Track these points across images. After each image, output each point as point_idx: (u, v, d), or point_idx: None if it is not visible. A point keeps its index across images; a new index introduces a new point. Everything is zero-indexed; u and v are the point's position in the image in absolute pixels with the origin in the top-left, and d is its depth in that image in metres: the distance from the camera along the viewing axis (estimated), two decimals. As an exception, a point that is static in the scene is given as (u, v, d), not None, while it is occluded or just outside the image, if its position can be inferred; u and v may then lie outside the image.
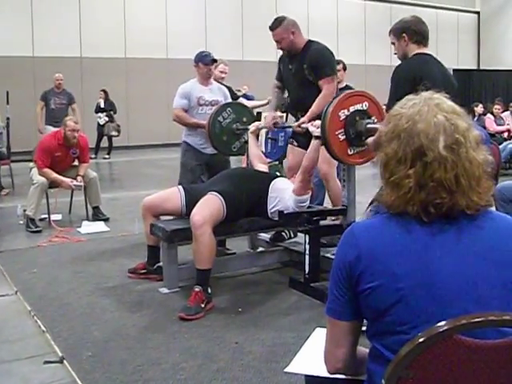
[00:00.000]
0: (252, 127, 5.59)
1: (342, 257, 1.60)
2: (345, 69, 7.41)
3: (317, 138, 4.58)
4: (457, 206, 1.52)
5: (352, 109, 4.42)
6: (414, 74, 3.65)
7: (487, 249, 1.51)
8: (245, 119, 5.97)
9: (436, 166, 1.50)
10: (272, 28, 5.37)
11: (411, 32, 3.89)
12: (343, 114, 4.40)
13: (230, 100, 6.40)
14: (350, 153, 4.49)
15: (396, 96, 3.72)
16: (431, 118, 1.54)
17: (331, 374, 1.70)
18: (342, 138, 4.42)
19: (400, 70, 3.80)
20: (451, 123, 1.53)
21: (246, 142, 5.74)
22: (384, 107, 4.47)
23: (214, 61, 6.19)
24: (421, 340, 1.32)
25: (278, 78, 5.66)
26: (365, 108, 4.44)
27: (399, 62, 4.14)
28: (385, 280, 1.50)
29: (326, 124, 4.37)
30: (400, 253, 1.51)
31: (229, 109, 5.93)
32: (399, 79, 3.80)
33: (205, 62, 6.06)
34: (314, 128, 4.66)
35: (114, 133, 14.99)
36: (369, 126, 4.32)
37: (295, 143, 5.55)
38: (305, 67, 5.21)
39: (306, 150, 4.81)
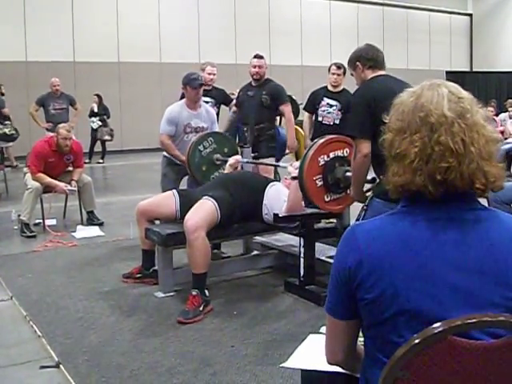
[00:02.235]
0: (232, 160, 5.51)
1: (343, 261, 1.55)
2: (345, 73, 7.37)
3: (294, 178, 4.56)
4: (465, 173, 1.46)
5: (332, 155, 4.41)
6: (367, 99, 3.67)
7: (492, 262, 1.46)
8: (226, 150, 5.85)
9: (442, 130, 1.46)
10: (261, 56, 6.71)
11: (363, 59, 3.94)
12: (323, 159, 4.38)
13: (217, 125, 6.31)
14: (326, 199, 4.46)
15: (354, 123, 3.76)
16: (434, 89, 1.52)
17: (331, 364, 1.69)
18: (319, 183, 4.40)
19: (354, 97, 3.87)
20: (454, 94, 1.50)
21: None
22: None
23: (202, 84, 6.05)
24: (416, 341, 1.32)
25: (236, 104, 6.99)
26: (345, 155, 4.41)
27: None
28: (385, 292, 1.46)
29: (305, 168, 4.35)
30: (403, 264, 1.46)
31: (210, 138, 5.80)
32: (355, 106, 3.84)
33: (193, 85, 5.90)
34: (293, 169, 4.67)
35: (107, 137, 14.97)
36: (347, 174, 4.27)
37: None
38: (263, 93, 6.54)
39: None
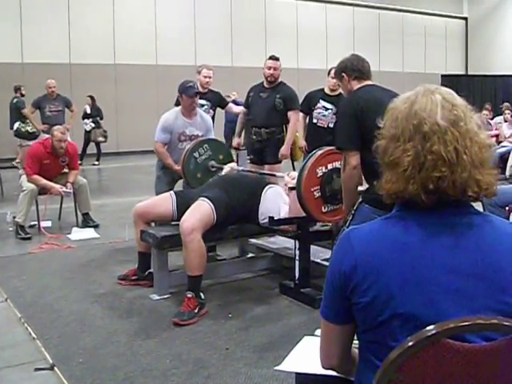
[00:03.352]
0: (227, 168, 5.54)
1: (338, 265, 1.55)
2: None
3: (292, 189, 4.59)
4: (458, 182, 1.46)
5: (330, 166, 4.43)
6: (354, 110, 3.67)
7: (486, 265, 1.46)
8: (221, 157, 5.85)
9: (435, 139, 1.46)
10: (277, 58, 6.69)
11: (349, 70, 3.95)
12: (321, 170, 4.41)
13: (212, 132, 6.25)
14: (323, 210, 4.49)
15: (342, 135, 3.75)
16: (428, 95, 1.52)
17: (325, 369, 1.70)
18: (317, 194, 4.42)
19: (341, 107, 3.86)
20: (449, 102, 1.50)
21: None
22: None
23: (198, 93, 6.03)
24: (410, 344, 1.33)
25: (245, 105, 6.95)
26: None
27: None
28: (379, 296, 1.47)
29: (303, 180, 4.37)
30: (397, 268, 1.47)
31: (205, 145, 5.79)
32: (342, 117, 3.85)
33: (188, 94, 5.86)
34: (289, 179, 4.68)
35: (100, 139, 14.89)
36: None
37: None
38: (277, 97, 6.57)
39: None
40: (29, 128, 12.30)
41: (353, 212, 3.73)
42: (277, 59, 6.70)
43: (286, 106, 6.60)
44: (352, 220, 3.65)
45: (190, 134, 6.01)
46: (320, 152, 4.46)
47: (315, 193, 4.42)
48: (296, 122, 6.74)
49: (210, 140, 5.99)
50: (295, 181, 4.52)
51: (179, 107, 6.08)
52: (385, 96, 3.61)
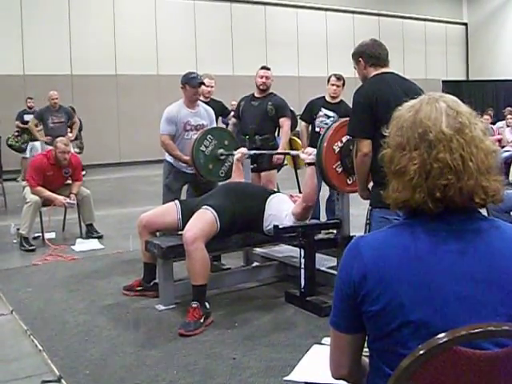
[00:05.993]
0: (238, 154, 5.52)
1: (347, 274, 1.55)
2: (344, 84, 7.29)
3: (310, 164, 4.65)
4: (464, 189, 1.47)
5: (345, 139, 4.47)
6: (369, 99, 3.69)
7: (495, 271, 1.46)
8: (226, 142, 5.87)
9: (440, 147, 1.46)
10: (268, 68, 6.87)
11: (366, 56, 3.96)
12: (337, 146, 4.47)
13: (215, 123, 6.33)
14: (349, 182, 4.58)
15: (355, 123, 3.80)
16: (433, 103, 1.52)
17: (336, 378, 1.69)
18: (339, 170, 4.50)
19: (356, 96, 3.86)
20: (453, 109, 1.51)
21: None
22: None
23: (202, 83, 6.10)
24: (421, 352, 1.32)
25: (235, 115, 7.04)
26: None
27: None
28: (390, 304, 1.46)
29: (323, 159, 4.43)
30: (407, 276, 1.46)
31: (209, 136, 5.79)
32: (356, 106, 3.85)
33: (192, 84, 5.89)
34: (306, 155, 4.70)
35: (75, 150, 14.50)
36: None
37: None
38: (269, 104, 6.67)
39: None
40: (13, 142, 12.40)
41: (368, 222, 3.75)
42: (268, 69, 6.84)
43: (278, 113, 6.68)
44: (370, 229, 3.67)
45: (196, 123, 6.03)
46: (336, 124, 4.54)
47: (337, 168, 4.50)
48: (289, 127, 6.85)
49: (212, 129, 5.99)
50: (312, 156, 4.62)
51: (181, 99, 6.09)
52: (402, 87, 3.67)
